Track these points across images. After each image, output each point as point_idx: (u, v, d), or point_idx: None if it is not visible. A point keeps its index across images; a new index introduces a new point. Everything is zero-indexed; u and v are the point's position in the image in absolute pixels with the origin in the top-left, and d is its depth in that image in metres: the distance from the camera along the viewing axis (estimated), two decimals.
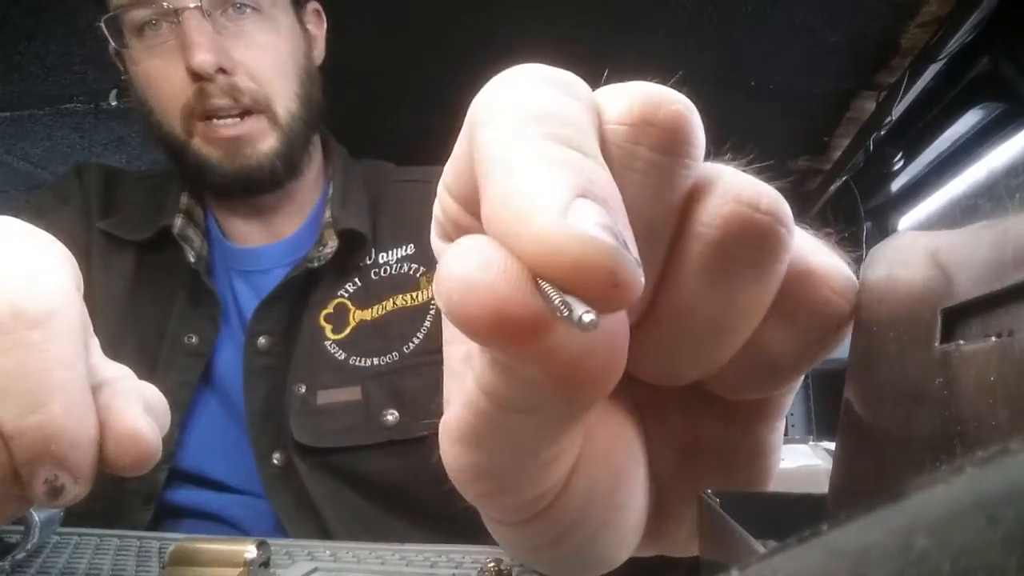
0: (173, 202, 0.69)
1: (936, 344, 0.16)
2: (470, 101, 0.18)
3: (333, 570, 0.34)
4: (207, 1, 0.59)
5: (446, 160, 0.20)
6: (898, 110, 1.10)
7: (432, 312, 0.66)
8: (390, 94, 1.20)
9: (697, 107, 0.18)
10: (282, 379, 0.65)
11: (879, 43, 1.02)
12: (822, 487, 0.24)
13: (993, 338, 0.14)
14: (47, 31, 1.01)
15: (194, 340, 0.65)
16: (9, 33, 1.01)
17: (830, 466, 0.23)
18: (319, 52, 0.72)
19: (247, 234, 0.71)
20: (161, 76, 0.62)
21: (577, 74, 0.19)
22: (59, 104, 1.20)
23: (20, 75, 1.11)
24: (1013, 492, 0.07)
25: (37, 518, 0.35)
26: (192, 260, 0.66)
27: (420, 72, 1.14)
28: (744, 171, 0.21)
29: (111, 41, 0.64)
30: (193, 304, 0.67)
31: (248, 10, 0.62)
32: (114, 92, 0.71)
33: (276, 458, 0.63)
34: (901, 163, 1.27)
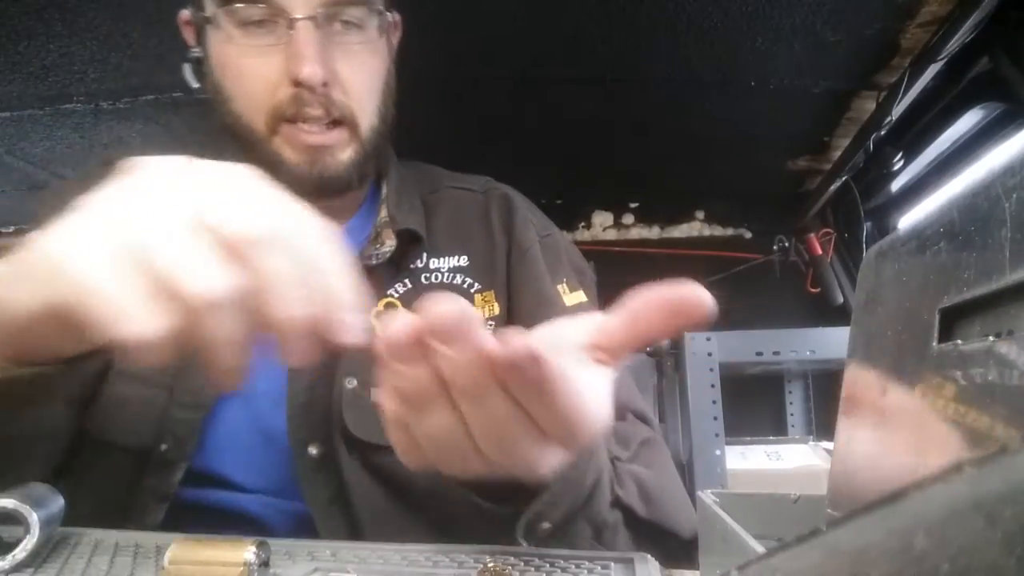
0: None
1: (934, 344, 0.16)
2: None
3: (333, 570, 0.34)
4: (322, 14, 0.61)
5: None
6: (898, 110, 1.10)
7: (488, 329, 0.66)
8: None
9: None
10: (329, 371, 0.65)
11: (879, 43, 1.02)
12: (822, 487, 0.24)
13: (991, 338, 0.14)
14: (47, 31, 1.01)
15: None
16: (9, 33, 1.01)
17: (830, 466, 0.24)
18: (392, 58, 0.74)
19: None
20: (257, 74, 0.63)
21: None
22: (59, 104, 1.20)
23: (20, 75, 1.11)
24: (1012, 492, 0.07)
25: (37, 518, 0.35)
26: None
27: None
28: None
29: (202, 24, 0.65)
30: None
31: (354, 27, 0.64)
32: (188, 68, 0.71)
33: (313, 451, 0.63)
34: (901, 163, 1.27)
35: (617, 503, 0.52)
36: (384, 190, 0.74)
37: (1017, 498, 0.07)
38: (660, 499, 0.55)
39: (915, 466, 0.17)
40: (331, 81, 0.62)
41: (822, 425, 1.67)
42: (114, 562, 0.36)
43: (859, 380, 0.21)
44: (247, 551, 0.32)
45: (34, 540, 0.35)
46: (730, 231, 1.75)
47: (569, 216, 1.74)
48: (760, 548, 0.16)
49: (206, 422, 0.63)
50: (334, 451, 0.63)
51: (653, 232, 1.76)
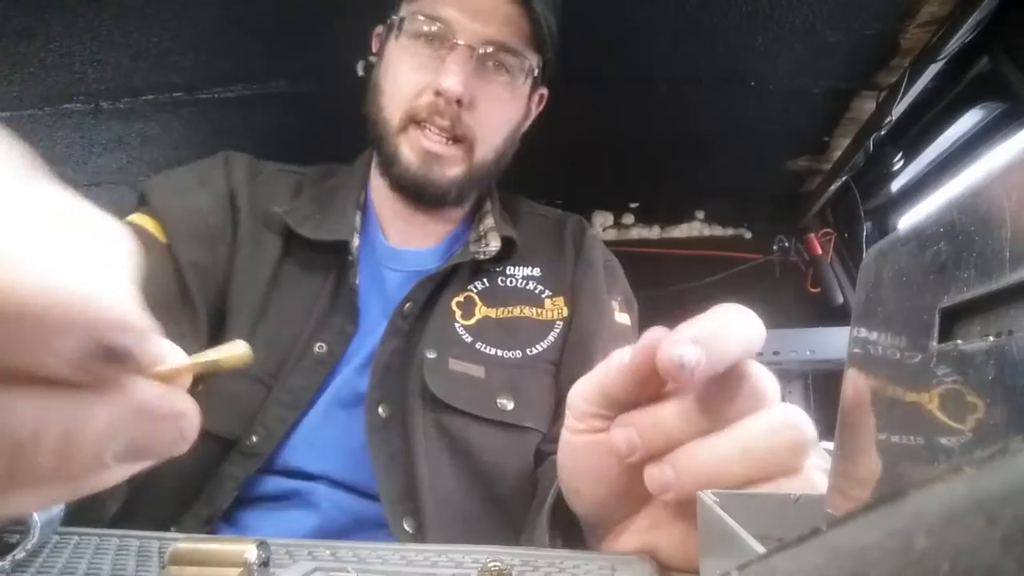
0: (350, 217, 0.76)
1: (934, 344, 0.16)
2: None
3: (333, 570, 0.34)
4: (480, 48, 0.71)
5: None
6: (898, 110, 1.10)
7: (556, 331, 0.77)
8: None
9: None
10: (413, 343, 0.72)
11: (879, 43, 1.01)
12: (822, 487, 0.24)
13: (991, 338, 0.14)
14: (47, 31, 1.01)
15: (324, 350, 0.71)
16: (9, 33, 1.01)
17: (830, 466, 0.24)
18: (527, 124, 0.85)
19: (406, 237, 0.81)
20: (410, 78, 0.72)
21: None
22: (59, 104, 1.20)
23: (20, 75, 1.11)
24: (1012, 492, 0.07)
25: (37, 518, 0.35)
26: (356, 283, 0.73)
27: None
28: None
29: (391, 32, 0.75)
30: (330, 313, 0.73)
31: (504, 71, 0.74)
32: (361, 64, 0.83)
33: (382, 411, 0.69)
34: (901, 163, 1.27)
35: None
36: (488, 205, 0.84)
37: (1017, 498, 0.07)
38: None
39: (915, 466, 0.17)
40: (467, 103, 0.71)
41: (822, 425, 1.67)
42: (115, 563, 0.36)
43: (859, 380, 0.21)
44: (248, 551, 0.32)
45: (34, 540, 0.35)
46: (730, 231, 1.75)
47: None
48: (760, 548, 0.16)
49: (298, 422, 0.69)
50: (403, 412, 0.69)
51: (653, 232, 1.76)
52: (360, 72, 0.82)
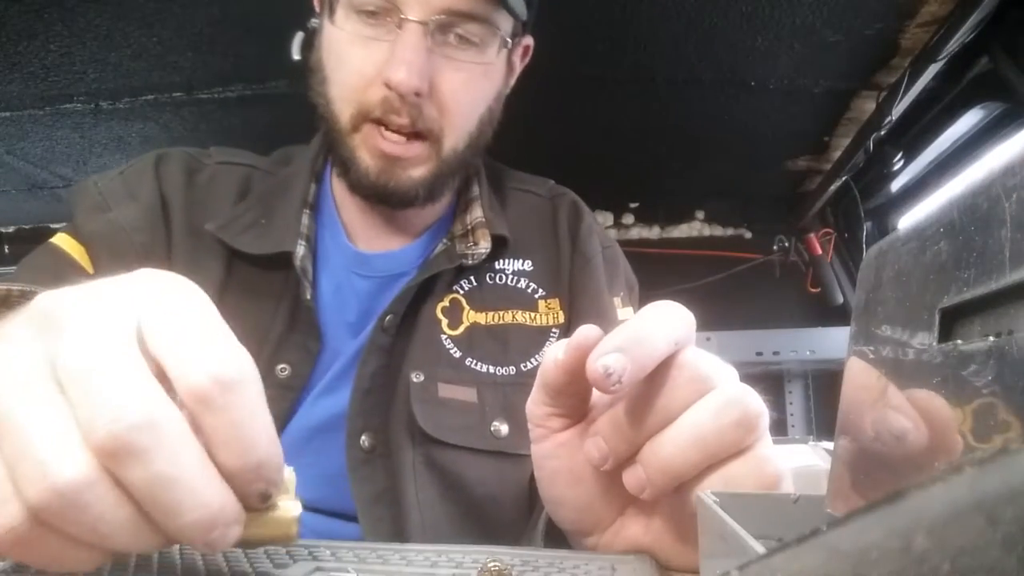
0: (293, 222, 0.66)
1: (934, 344, 0.16)
2: None
3: (333, 570, 0.34)
4: (435, 23, 0.58)
5: None
6: (898, 110, 1.10)
7: (552, 340, 0.67)
8: None
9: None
10: (396, 362, 0.64)
11: (879, 43, 1.02)
12: (822, 487, 0.24)
13: (991, 338, 0.14)
14: (47, 31, 1.01)
15: (287, 372, 0.63)
16: (9, 33, 1.01)
17: (830, 466, 0.24)
18: (511, 82, 0.71)
19: (373, 239, 0.70)
20: (355, 66, 0.60)
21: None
22: (59, 104, 1.20)
23: (20, 75, 1.11)
24: (1013, 492, 0.07)
25: None
26: (308, 297, 0.64)
27: None
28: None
29: (325, 6, 0.62)
30: (291, 330, 0.64)
31: (469, 44, 0.60)
32: (298, 38, 0.68)
33: (364, 441, 0.62)
34: (901, 163, 1.27)
35: None
36: (475, 188, 0.72)
37: (1018, 498, 0.07)
38: None
39: (915, 466, 0.17)
40: (426, 93, 0.59)
41: (822, 425, 1.67)
42: (114, 564, 0.36)
43: (859, 380, 0.21)
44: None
45: None
46: (730, 231, 1.75)
47: None
48: (760, 548, 0.16)
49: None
50: (388, 444, 0.62)
51: (653, 232, 1.76)
52: (296, 55, 0.68)
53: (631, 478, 0.34)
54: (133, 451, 0.22)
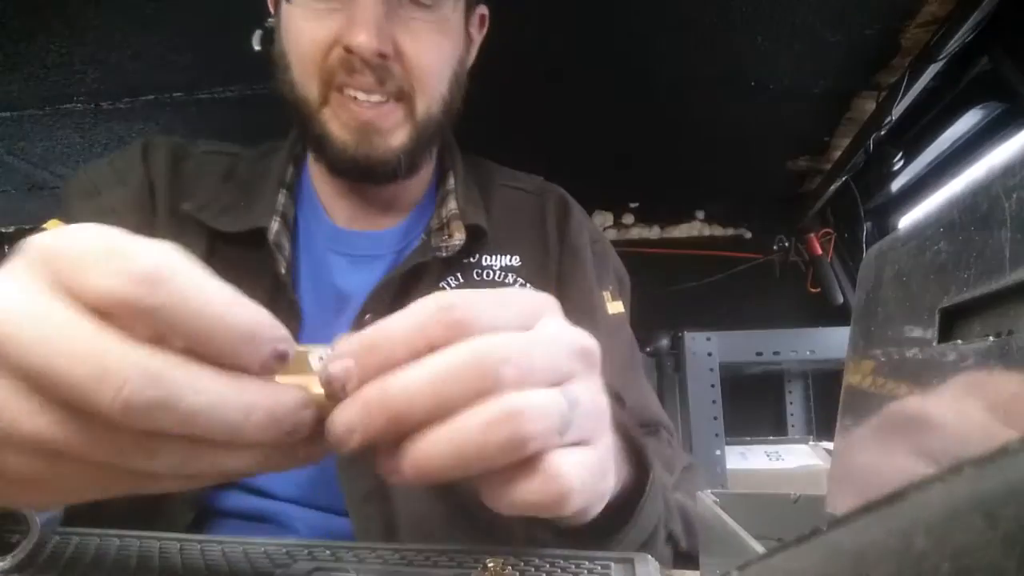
0: (268, 199, 0.66)
1: (934, 343, 0.16)
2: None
3: (333, 570, 0.34)
4: None
5: None
6: (898, 110, 1.10)
7: None
8: None
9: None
10: None
11: (879, 43, 1.02)
12: (822, 487, 0.24)
13: (991, 338, 0.14)
14: (47, 31, 1.01)
15: None
16: (9, 33, 1.01)
17: (830, 466, 0.23)
18: (471, 56, 0.70)
19: (356, 219, 0.70)
20: (312, 37, 0.59)
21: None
22: (59, 104, 1.20)
23: (20, 75, 1.11)
24: (1012, 492, 0.07)
25: (37, 518, 0.35)
26: (283, 271, 0.63)
27: None
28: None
29: None
30: (270, 308, 0.62)
31: (423, 7, 0.60)
32: (258, 34, 0.69)
33: None
34: (901, 163, 1.27)
35: (669, 538, 0.50)
36: (451, 181, 0.71)
37: (1017, 498, 0.07)
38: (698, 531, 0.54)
39: (915, 466, 0.17)
40: (390, 54, 0.58)
41: (822, 425, 1.67)
42: (115, 562, 0.36)
43: (859, 380, 0.21)
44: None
45: (34, 540, 0.34)
46: (730, 231, 1.75)
47: None
48: (760, 548, 0.16)
49: None
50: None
51: (653, 232, 1.76)
52: (256, 45, 0.68)
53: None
54: (148, 416, 0.22)
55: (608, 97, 1.20)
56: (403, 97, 0.61)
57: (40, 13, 0.97)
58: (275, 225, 0.65)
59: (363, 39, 0.56)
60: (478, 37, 0.71)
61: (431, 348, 0.27)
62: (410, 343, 0.27)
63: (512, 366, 0.26)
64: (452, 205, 0.69)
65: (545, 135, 1.32)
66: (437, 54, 0.62)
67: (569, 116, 1.28)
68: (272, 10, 0.66)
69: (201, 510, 0.60)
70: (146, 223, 0.65)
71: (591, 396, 0.29)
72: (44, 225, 0.64)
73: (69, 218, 0.64)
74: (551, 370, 0.28)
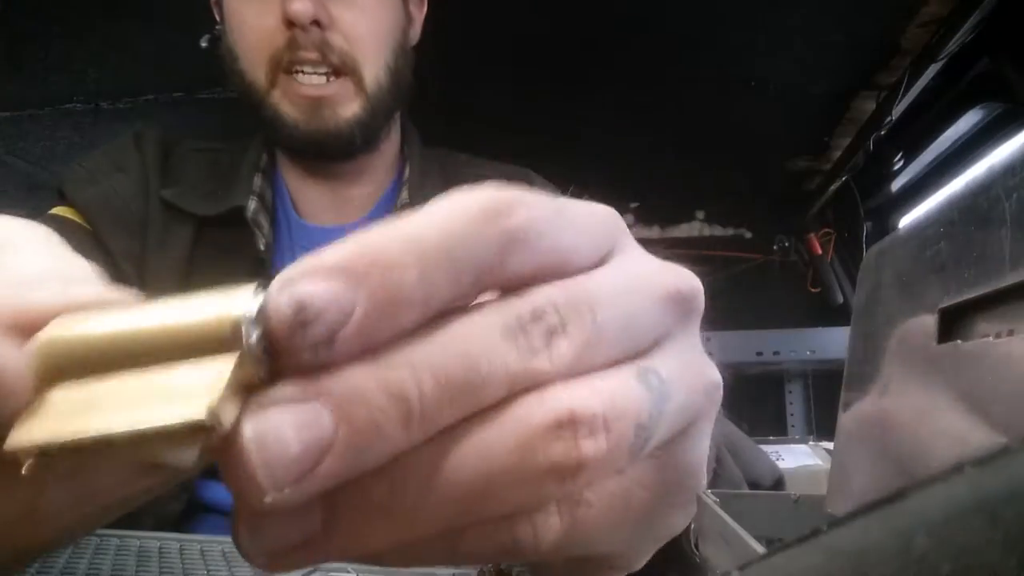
0: (245, 181, 0.68)
1: (934, 344, 0.16)
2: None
3: (333, 570, 0.34)
4: None
5: None
6: (898, 110, 1.10)
7: None
8: None
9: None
10: None
11: (879, 43, 1.02)
12: (822, 487, 0.24)
13: (991, 338, 0.14)
14: (47, 31, 1.01)
15: None
16: (9, 33, 1.01)
17: (830, 466, 0.23)
18: (415, 33, 0.72)
19: (321, 211, 0.71)
20: (254, 22, 0.62)
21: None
22: (59, 104, 1.20)
23: (20, 75, 1.11)
24: (1013, 491, 0.07)
25: None
26: (262, 248, 0.65)
27: None
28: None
29: None
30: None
31: None
32: (206, 37, 0.73)
33: None
34: (901, 163, 1.27)
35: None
36: (407, 172, 0.72)
37: (1019, 498, 0.07)
38: (744, 450, 0.49)
39: (915, 466, 0.17)
40: (326, 22, 0.60)
41: (822, 425, 1.67)
42: (115, 562, 0.36)
43: (859, 380, 0.21)
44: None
45: None
46: (730, 231, 1.75)
47: None
48: (760, 548, 0.16)
49: None
50: None
51: (653, 232, 1.76)
52: (204, 44, 0.71)
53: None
54: None
55: (608, 97, 1.20)
56: (347, 68, 0.62)
57: (40, 13, 0.97)
58: (252, 204, 0.66)
59: (298, 6, 0.58)
60: (419, 15, 0.72)
61: (462, 280, 0.14)
62: (435, 267, 0.14)
63: (570, 341, 0.15)
64: (404, 195, 0.70)
65: (545, 135, 1.32)
66: (373, 20, 0.63)
67: (569, 116, 1.28)
68: (216, 15, 0.69)
69: (190, 502, 0.61)
70: (143, 208, 0.67)
71: (690, 373, 0.18)
72: (51, 212, 0.66)
73: (76, 205, 0.65)
74: (629, 339, 0.16)
